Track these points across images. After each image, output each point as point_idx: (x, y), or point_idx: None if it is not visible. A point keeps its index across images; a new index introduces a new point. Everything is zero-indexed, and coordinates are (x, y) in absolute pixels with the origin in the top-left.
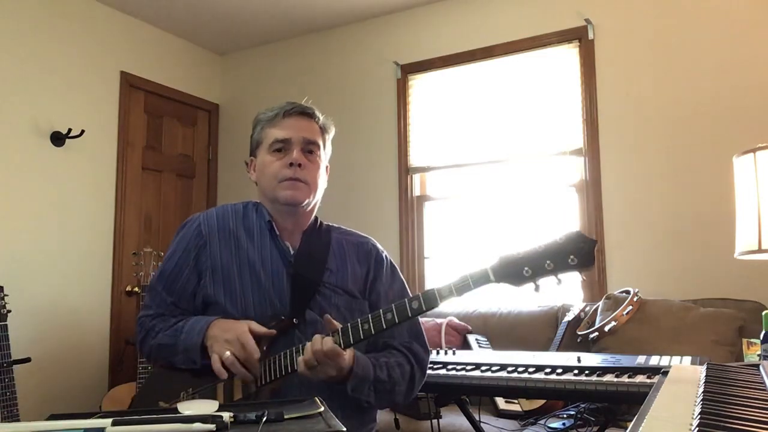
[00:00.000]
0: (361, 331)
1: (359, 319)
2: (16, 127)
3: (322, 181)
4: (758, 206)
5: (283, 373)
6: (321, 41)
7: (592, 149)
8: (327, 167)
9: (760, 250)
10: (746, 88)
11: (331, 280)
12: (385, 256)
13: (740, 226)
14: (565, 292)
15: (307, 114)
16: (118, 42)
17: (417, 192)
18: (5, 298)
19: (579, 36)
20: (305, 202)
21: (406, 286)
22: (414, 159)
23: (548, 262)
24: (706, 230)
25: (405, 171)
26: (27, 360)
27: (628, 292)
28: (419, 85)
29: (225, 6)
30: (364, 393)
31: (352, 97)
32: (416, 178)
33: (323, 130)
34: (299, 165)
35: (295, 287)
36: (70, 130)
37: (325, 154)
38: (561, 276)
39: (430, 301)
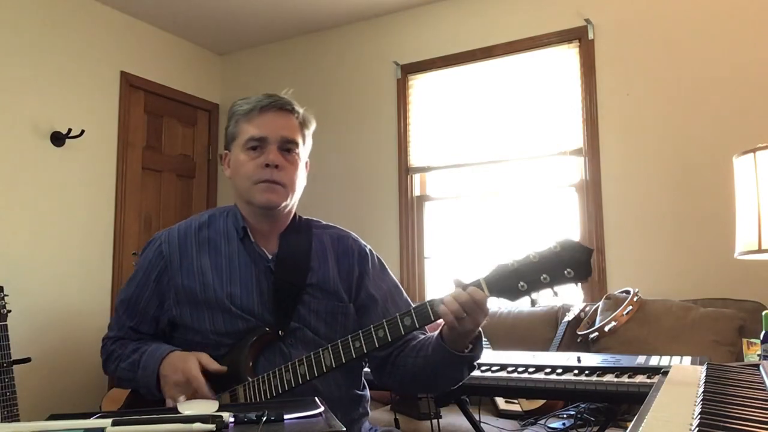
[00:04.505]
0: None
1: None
2: (16, 127)
3: (301, 180)
4: (758, 206)
5: (276, 393)
6: (321, 41)
7: (592, 149)
8: (307, 163)
9: (760, 250)
10: (746, 88)
11: (313, 280)
12: (369, 249)
13: (740, 226)
14: (565, 292)
15: (285, 109)
16: (118, 42)
17: (417, 192)
18: (5, 298)
19: (579, 36)
20: (282, 205)
21: (398, 282)
22: (414, 159)
23: (544, 275)
24: (706, 230)
25: (405, 171)
26: (27, 360)
27: (628, 292)
28: (419, 85)
29: (225, 6)
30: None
31: (352, 97)
32: (416, 178)
33: (303, 125)
34: (276, 166)
35: (278, 296)
36: (70, 130)
37: (304, 151)
38: (557, 288)
39: (424, 319)
